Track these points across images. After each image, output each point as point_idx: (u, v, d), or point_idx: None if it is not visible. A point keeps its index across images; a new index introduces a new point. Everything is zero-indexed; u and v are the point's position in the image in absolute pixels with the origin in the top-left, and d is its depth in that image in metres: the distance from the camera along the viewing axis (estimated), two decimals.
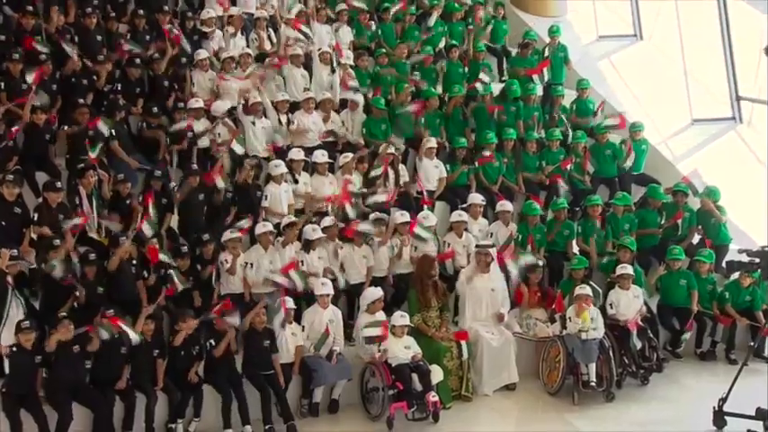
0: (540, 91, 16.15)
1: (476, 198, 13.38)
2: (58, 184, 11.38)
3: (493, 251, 12.24)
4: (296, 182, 12.99)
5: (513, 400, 11.64)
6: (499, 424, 11.12)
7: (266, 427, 10.42)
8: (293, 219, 12.12)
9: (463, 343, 11.54)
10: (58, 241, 10.62)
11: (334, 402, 11.15)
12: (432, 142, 14.08)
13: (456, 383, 11.49)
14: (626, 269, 12.13)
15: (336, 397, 11.16)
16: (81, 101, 12.54)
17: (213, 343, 10.53)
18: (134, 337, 9.98)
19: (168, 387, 10.33)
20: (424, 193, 13.63)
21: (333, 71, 14.92)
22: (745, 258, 11.70)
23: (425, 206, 13.26)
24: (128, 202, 11.83)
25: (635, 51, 19.26)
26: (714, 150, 16.76)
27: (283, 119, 13.92)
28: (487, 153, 14.17)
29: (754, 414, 10.12)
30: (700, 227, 13.86)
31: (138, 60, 13.69)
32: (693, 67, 17.77)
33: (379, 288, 11.56)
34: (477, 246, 12.33)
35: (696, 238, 14.00)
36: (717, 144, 16.94)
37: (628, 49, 19.33)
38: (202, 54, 14.31)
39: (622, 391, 11.60)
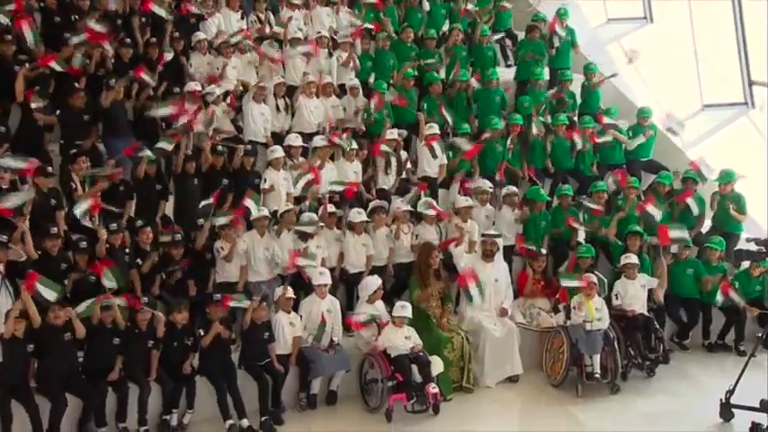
0: (546, 75, 16.10)
1: (483, 184, 13.29)
2: (49, 169, 11.33)
3: (499, 240, 12.21)
4: (295, 168, 12.92)
5: (515, 392, 11.60)
6: (501, 417, 11.08)
7: (263, 419, 10.38)
8: (290, 206, 12.06)
9: (472, 286, 11.58)
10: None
11: (333, 394, 11.12)
12: (433, 128, 13.99)
13: (457, 375, 11.45)
14: (630, 258, 12.08)
15: (335, 388, 11.13)
16: (76, 84, 12.48)
17: (202, 332, 10.51)
18: (50, 295, 9.89)
19: (161, 378, 10.30)
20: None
21: (330, 55, 14.84)
22: (753, 247, 11.65)
23: (421, 192, 13.19)
24: (121, 188, 11.77)
25: (645, 34, 19.07)
26: (725, 136, 16.62)
27: (281, 103, 13.85)
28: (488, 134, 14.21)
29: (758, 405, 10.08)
30: (732, 204, 13.70)
31: (128, 40, 13.60)
32: (705, 51, 17.57)
33: (376, 277, 11.54)
34: (483, 234, 12.28)
35: (707, 226, 13.94)
36: (728, 130, 16.79)
37: (637, 33, 19.14)
38: (200, 36, 14.23)
39: (628, 384, 11.58)
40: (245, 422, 10.30)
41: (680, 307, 12.75)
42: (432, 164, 13.89)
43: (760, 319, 12.61)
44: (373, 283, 11.34)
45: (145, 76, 13.09)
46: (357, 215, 12.18)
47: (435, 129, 14.00)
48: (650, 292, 12.34)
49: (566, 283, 11.91)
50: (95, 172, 11.60)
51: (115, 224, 11.08)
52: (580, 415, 10.93)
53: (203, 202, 11.71)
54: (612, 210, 13.44)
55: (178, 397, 10.33)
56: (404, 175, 13.68)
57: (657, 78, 17.55)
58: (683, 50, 17.80)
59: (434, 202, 12.82)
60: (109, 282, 10.41)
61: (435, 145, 13.77)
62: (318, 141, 13.11)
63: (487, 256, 12.03)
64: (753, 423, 9.84)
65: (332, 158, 13.20)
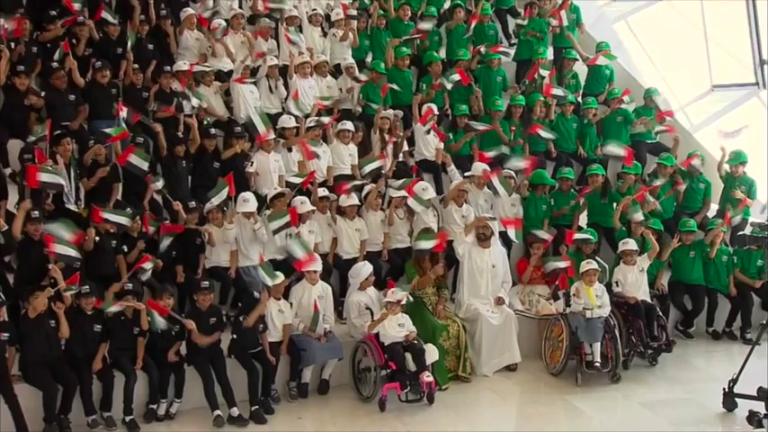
0: (550, 54, 16.03)
1: (479, 168, 13.24)
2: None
3: (494, 224, 12.15)
4: (289, 150, 12.92)
5: (513, 381, 11.59)
6: (498, 406, 11.09)
7: (253, 408, 10.36)
8: (280, 189, 12.02)
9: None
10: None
11: (325, 383, 11.11)
12: (433, 109, 13.92)
13: (453, 363, 11.45)
14: (628, 244, 12.04)
15: (327, 377, 11.12)
16: (55, 64, 12.45)
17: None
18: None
19: (148, 366, 10.28)
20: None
21: (324, 34, 14.78)
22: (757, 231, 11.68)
23: (414, 174, 13.21)
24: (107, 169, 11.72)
25: (653, 13, 18.94)
26: (735, 118, 16.55)
27: (273, 83, 13.80)
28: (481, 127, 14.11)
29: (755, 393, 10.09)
30: (743, 187, 13.74)
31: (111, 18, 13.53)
32: (715, 30, 17.51)
33: (367, 263, 11.54)
34: (476, 218, 12.22)
35: (712, 211, 13.90)
36: (738, 111, 16.73)
37: (645, 11, 18.98)
38: (189, 11, 14.16)
39: (629, 373, 11.57)
40: (234, 411, 10.28)
41: (684, 294, 12.73)
42: (429, 147, 13.84)
43: (763, 295, 12.65)
44: (364, 269, 11.32)
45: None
46: (347, 199, 12.18)
47: (434, 110, 13.91)
48: (654, 277, 12.39)
49: (550, 266, 12.18)
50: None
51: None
52: (579, 404, 10.91)
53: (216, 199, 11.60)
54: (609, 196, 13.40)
55: (166, 386, 10.33)
56: (401, 158, 13.64)
57: (666, 58, 17.47)
58: (693, 29, 17.71)
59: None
60: None
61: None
62: (310, 122, 13.07)
63: (482, 240, 11.99)
64: (750, 411, 9.86)
65: (325, 140, 13.18)
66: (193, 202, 11.65)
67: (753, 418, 9.82)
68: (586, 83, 15.84)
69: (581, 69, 15.88)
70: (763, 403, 9.88)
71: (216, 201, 11.52)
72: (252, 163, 12.41)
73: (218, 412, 10.25)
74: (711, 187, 13.93)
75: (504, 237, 12.70)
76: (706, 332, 12.85)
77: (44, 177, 10.81)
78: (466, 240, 12.07)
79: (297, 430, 10.47)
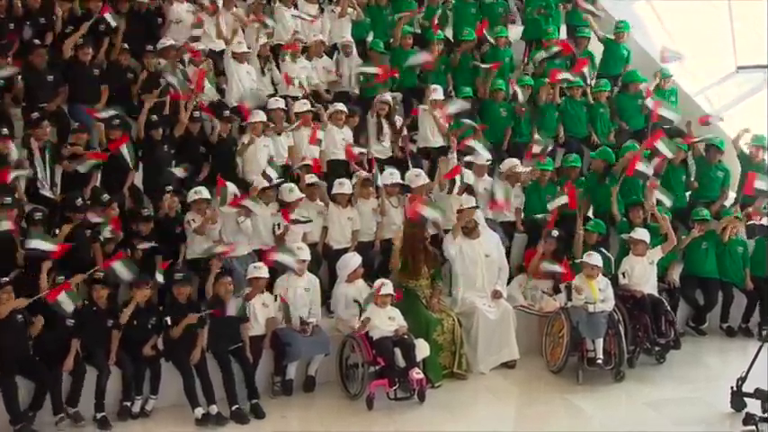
0: (562, 33, 15.98)
1: (480, 156, 13.20)
2: (4, 131, 11.41)
3: (477, 212, 12.10)
4: (278, 134, 12.94)
5: (511, 379, 11.55)
6: (494, 405, 11.03)
7: (233, 408, 10.35)
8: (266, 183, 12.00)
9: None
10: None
11: (310, 379, 11.10)
12: (438, 93, 13.90)
13: (448, 360, 11.40)
14: (637, 233, 11.94)
15: (313, 373, 11.10)
16: (37, 41, 12.50)
17: (169, 322, 10.45)
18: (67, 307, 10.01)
19: (123, 361, 10.29)
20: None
21: (321, 11, 14.78)
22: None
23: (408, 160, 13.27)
24: None
25: None
26: (761, 102, 16.40)
27: (266, 66, 13.83)
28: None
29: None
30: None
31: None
32: (740, 7, 17.36)
33: (355, 254, 11.53)
34: (458, 210, 12.08)
35: (731, 199, 13.81)
36: (764, 94, 16.58)
37: None
38: None
39: (635, 371, 11.49)
40: (213, 408, 10.28)
41: (696, 288, 12.63)
42: (435, 133, 13.81)
43: None
44: (353, 260, 11.31)
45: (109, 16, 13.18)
46: (340, 186, 12.16)
47: (440, 93, 13.92)
48: (665, 270, 12.34)
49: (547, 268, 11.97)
50: None
51: (80, 199, 11.12)
52: (580, 403, 10.86)
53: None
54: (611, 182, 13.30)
55: (141, 382, 10.35)
56: (400, 144, 13.62)
57: (688, 37, 17.31)
58: (717, 6, 17.57)
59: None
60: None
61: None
62: (300, 106, 13.08)
63: (467, 232, 11.92)
64: (747, 414, 9.79)
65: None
66: (170, 186, 11.67)
67: (749, 421, 9.74)
68: (602, 63, 15.76)
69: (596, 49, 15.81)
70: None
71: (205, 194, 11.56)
72: (242, 143, 12.43)
73: (201, 411, 10.22)
74: (731, 176, 13.80)
75: (506, 229, 12.74)
76: (720, 329, 12.77)
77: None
78: (455, 242, 12.00)
79: (281, 429, 10.48)
